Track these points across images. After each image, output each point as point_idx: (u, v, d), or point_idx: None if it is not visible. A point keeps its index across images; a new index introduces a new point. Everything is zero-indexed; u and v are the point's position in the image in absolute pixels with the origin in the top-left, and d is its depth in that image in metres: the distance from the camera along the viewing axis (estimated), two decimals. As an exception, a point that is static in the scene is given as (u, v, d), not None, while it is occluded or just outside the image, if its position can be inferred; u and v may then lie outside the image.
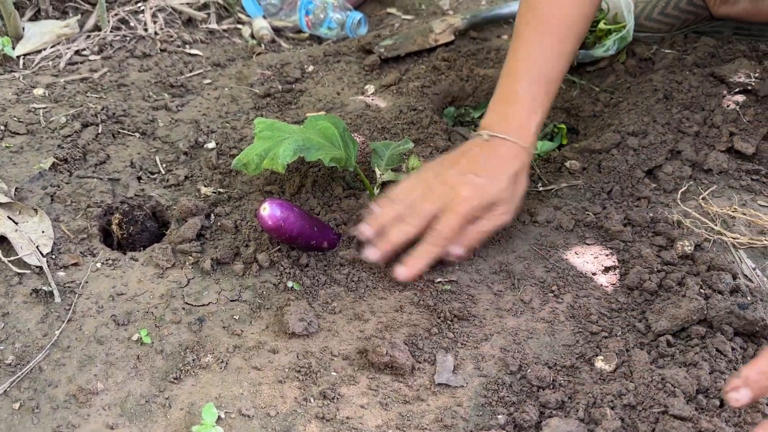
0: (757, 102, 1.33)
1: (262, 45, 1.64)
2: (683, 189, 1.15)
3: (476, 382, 0.85)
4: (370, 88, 1.41)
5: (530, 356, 0.89)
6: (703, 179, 1.18)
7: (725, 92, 1.35)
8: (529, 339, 0.91)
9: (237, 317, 0.94)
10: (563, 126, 1.40)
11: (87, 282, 0.99)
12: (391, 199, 1.01)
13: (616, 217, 1.10)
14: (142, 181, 1.18)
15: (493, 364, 0.87)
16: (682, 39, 1.55)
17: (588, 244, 1.06)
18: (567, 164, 1.22)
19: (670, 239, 1.05)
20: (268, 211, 0.92)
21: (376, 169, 1.13)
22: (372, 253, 0.98)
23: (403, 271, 0.96)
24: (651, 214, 1.10)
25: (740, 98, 1.32)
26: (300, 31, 1.78)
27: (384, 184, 1.17)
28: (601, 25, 1.48)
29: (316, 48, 1.59)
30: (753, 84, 1.34)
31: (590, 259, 1.04)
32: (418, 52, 1.54)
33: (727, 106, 1.30)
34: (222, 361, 0.88)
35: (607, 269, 1.02)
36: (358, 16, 1.69)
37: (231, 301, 0.96)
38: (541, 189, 1.18)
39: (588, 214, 1.11)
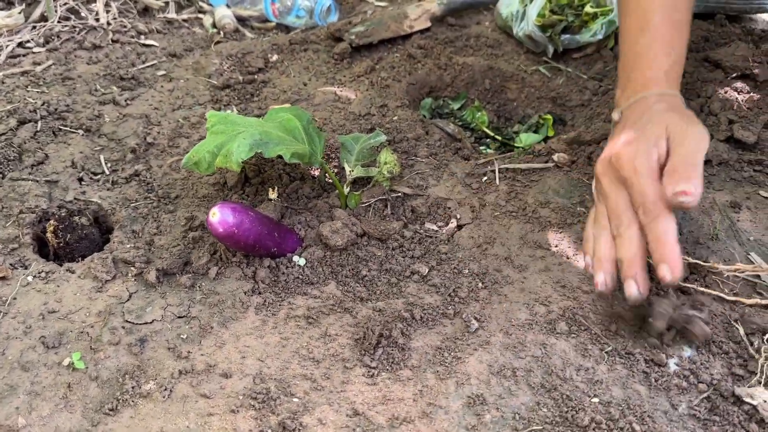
0: (757, 87, 1.23)
1: (222, 34, 1.52)
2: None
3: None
4: (340, 78, 1.30)
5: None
6: (703, 171, 1.08)
7: (722, 78, 1.25)
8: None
9: (184, 336, 0.82)
10: (549, 117, 1.29)
11: (15, 298, 0.87)
12: (588, 239, 0.85)
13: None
14: (83, 183, 1.05)
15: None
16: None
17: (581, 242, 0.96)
18: (555, 157, 1.11)
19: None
20: (219, 216, 0.81)
21: (346, 165, 1.01)
22: (630, 288, 0.77)
23: (665, 270, 0.73)
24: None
25: (739, 84, 1.23)
26: (266, 20, 1.66)
27: (355, 182, 1.06)
28: (588, 8, 1.37)
29: (282, 36, 1.47)
30: (751, 68, 1.25)
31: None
32: (391, 40, 1.43)
33: (725, 93, 1.21)
34: (165, 389, 0.76)
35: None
36: (327, 2, 1.57)
37: (178, 317, 0.84)
38: (527, 183, 1.08)
39: (579, 210, 1.01)
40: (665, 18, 0.91)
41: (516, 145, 1.28)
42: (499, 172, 1.10)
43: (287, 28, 1.63)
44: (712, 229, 0.97)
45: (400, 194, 1.04)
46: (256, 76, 1.29)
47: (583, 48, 1.39)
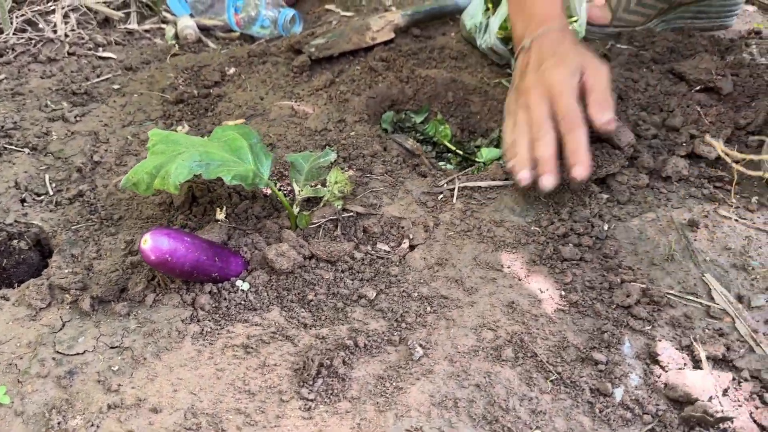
0: (720, 101, 1.22)
1: (177, 46, 1.48)
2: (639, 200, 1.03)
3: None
4: (299, 92, 1.27)
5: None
6: (662, 188, 1.06)
7: (685, 91, 1.24)
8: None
9: (116, 368, 0.79)
10: (511, 130, 1.27)
11: (-55, 328, 0.83)
12: (511, 145, 1.02)
13: (562, 232, 0.97)
14: (26, 204, 1.02)
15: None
16: (641, 34, 1.44)
17: (534, 263, 0.93)
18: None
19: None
20: (150, 243, 0.78)
21: (295, 185, 0.99)
22: (546, 180, 0.96)
23: (580, 170, 0.94)
24: (602, 232, 0.98)
25: (702, 97, 1.21)
26: (231, 30, 1.64)
27: (309, 201, 1.04)
28: (551, 20, 1.35)
29: (240, 48, 1.44)
30: (715, 81, 1.23)
31: (534, 281, 0.91)
32: (353, 52, 1.40)
33: (688, 106, 1.19)
34: (93, 424, 0.73)
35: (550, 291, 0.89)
36: (290, 12, 1.54)
37: (111, 348, 0.81)
38: (483, 201, 1.05)
39: (534, 230, 0.99)
40: None
41: (477, 159, 1.26)
42: (456, 190, 1.08)
43: (252, 38, 1.60)
44: (668, 250, 0.95)
45: (352, 214, 1.02)
46: (211, 90, 1.26)
47: (547, 60, 1.37)
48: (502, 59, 1.37)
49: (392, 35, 1.45)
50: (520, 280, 0.92)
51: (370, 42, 1.42)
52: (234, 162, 0.90)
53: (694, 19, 1.56)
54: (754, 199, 1.05)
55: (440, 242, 0.98)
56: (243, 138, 0.94)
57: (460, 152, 1.28)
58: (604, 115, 0.96)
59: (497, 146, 1.28)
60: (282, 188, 1.07)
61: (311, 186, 0.98)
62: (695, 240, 0.97)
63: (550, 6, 1.08)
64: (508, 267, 0.94)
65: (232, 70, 1.31)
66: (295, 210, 0.99)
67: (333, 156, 0.99)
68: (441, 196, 1.07)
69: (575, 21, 1.35)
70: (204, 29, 1.64)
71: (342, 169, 1.09)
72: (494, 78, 1.37)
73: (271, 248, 0.92)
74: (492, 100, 1.34)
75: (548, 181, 0.95)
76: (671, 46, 1.37)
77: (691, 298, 0.88)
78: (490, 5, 1.34)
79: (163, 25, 1.62)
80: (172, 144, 0.90)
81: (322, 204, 1.01)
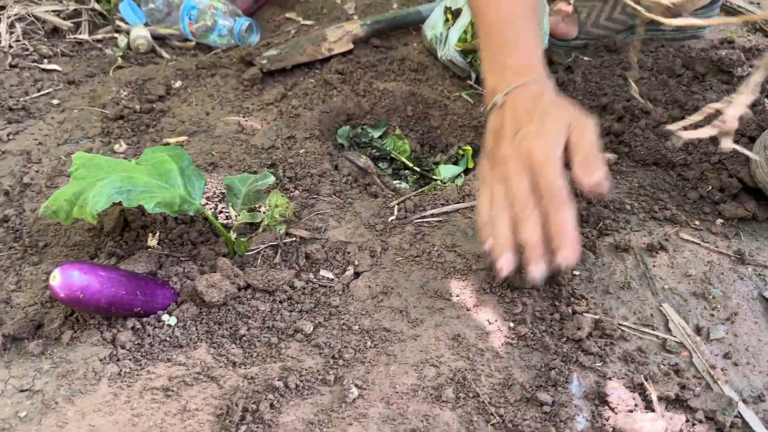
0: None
1: (121, 59, 1.41)
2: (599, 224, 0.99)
3: None
4: (248, 107, 1.21)
5: None
6: (621, 208, 1.01)
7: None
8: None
9: (23, 414, 0.73)
10: (468, 148, 1.22)
11: None
12: (488, 223, 0.85)
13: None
14: (-53, 230, 0.96)
15: None
16: (607, 45, 1.40)
17: (484, 291, 0.88)
18: (476, 194, 1.04)
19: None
20: (60, 280, 0.72)
21: (231, 210, 0.93)
22: (536, 270, 0.80)
23: (567, 255, 0.78)
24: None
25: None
26: (187, 40, 1.58)
27: (250, 225, 0.98)
28: (513, 31, 1.30)
29: (189, 60, 1.38)
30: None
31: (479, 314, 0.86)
32: (308, 64, 1.35)
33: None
34: (-8, 480, 0.67)
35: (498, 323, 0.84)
36: (246, 22, 1.49)
37: (20, 391, 0.75)
38: (435, 224, 1.00)
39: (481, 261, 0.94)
40: (526, 7, 0.95)
41: (435, 177, 1.20)
42: (407, 212, 1.03)
43: (209, 48, 1.54)
44: (624, 277, 0.90)
45: (295, 238, 0.96)
46: (155, 105, 1.20)
47: (509, 72, 1.32)
48: (464, 72, 1.32)
49: (350, 46, 1.40)
50: (468, 310, 0.87)
51: (326, 53, 1.36)
52: (160, 187, 0.84)
53: (665, 31, 1.53)
54: (719, 221, 1.00)
55: (387, 269, 0.93)
56: (173, 160, 0.89)
57: (418, 169, 1.23)
58: (593, 177, 0.79)
59: (455, 163, 1.23)
60: (224, 210, 1.01)
61: (248, 211, 0.93)
62: (654, 266, 0.92)
63: (527, 56, 0.92)
64: (457, 296, 0.89)
65: (178, 84, 1.25)
66: (233, 236, 0.93)
67: (271, 179, 0.93)
68: (392, 218, 1.02)
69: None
70: (159, 39, 1.58)
71: (287, 189, 1.03)
72: (455, 91, 1.32)
73: (201, 279, 0.86)
74: (452, 114, 1.30)
75: (538, 270, 0.79)
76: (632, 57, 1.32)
77: (646, 330, 0.84)
78: (449, 16, 1.29)
79: (116, 35, 1.56)
80: (94, 169, 0.85)
81: (261, 229, 0.95)
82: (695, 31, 1.55)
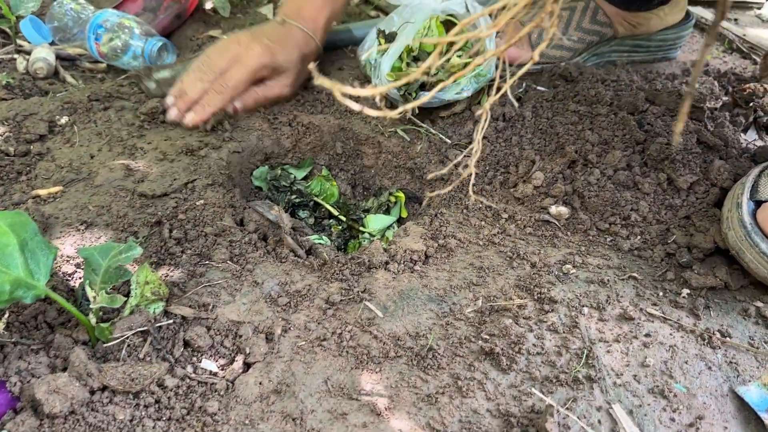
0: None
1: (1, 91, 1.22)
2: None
3: None
4: (142, 146, 1.04)
5: None
6: (568, 272, 0.86)
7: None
8: None
9: None
10: (401, 194, 1.06)
11: None
12: (193, 68, 1.09)
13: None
14: None
15: None
16: (564, 70, 1.24)
17: (402, 387, 0.72)
18: (411, 249, 0.88)
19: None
20: None
21: (89, 289, 0.75)
22: (171, 113, 1.08)
23: (191, 116, 1.06)
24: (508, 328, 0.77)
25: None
26: (98, 61, 1.40)
27: (111, 311, 0.79)
28: (455, 59, 1.15)
29: (84, 89, 1.20)
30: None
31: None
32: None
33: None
34: None
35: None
36: (159, 42, 1.31)
37: None
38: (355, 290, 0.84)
39: (409, 336, 0.77)
40: None
41: (362, 229, 1.04)
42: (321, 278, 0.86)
43: (124, 71, 1.36)
44: (570, 368, 0.74)
45: (174, 319, 0.79)
46: (32, 147, 1.02)
47: (451, 105, 1.16)
48: (400, 103, 1.16)
49: (273, 72, 1.22)
50: (378, 415, 0.71)
51: (243, 81, 1.19)
52: (-14, 270, 0.67)
53: (632, 53, 1.39)
54: (685, 291, 0.85)
55: (285, 358, 0.76)
56: (12, 232, 0.71)
57: (344, 218, 1.06)
58: (236, 102, 1.10)
59: (387, 212, 1.07)
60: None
61: (108, 291, 0.75)
62: (607, 352, 0.77)
63: (318, 11, 1.15)
64: (367, 395, 0.72)
65: (64, 120, 1.07)
66: (92, 320, 0.76)
67: (137, 251, 0.76)
68: (300, 285, 0.85)
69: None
70: (68, 59, 1.40)
71: (173, 254, 0.86)
72: (390, 126, 1.15)
73: (42, 382, 0.68)
74: (386, 153, 1.13)
75: (172, 114, 1.08)
76: (593, 87, 1.17)
77: (592, 444, 0.68)
78: (382, 41, 1.13)
79: (16, 56, 1.37)
80: None
81: (128, 311, 0.77)
82: (666, 52, 1.41)
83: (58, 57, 1.41)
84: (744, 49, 1.56)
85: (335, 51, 1.34)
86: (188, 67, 1.11)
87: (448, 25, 1.19)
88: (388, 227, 1.03)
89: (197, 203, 0.94)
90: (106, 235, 0.88)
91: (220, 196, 0.97)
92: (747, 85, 1.20)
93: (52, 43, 1.43)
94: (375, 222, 1.03)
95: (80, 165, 0.99)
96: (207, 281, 0.84)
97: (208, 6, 1.55)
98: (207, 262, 0.86)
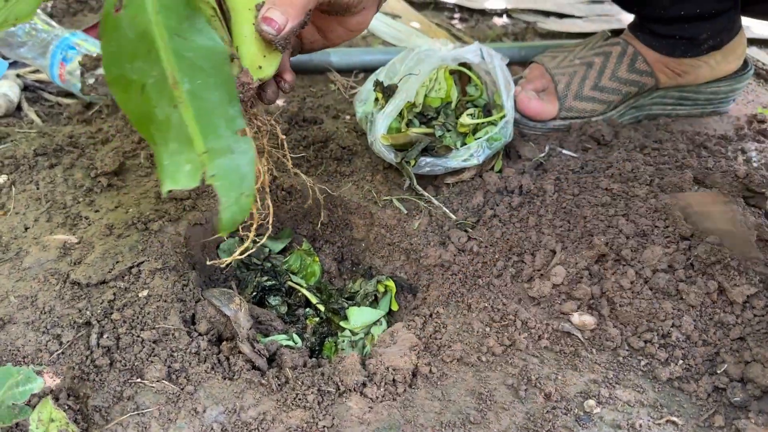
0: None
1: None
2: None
3: None
4: (87, 215, 0.87)
5: None
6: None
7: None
8: None
9: None
10: (392, 283, 0.89)
11: None
12: None
13: None
14: None
15: None
16: (596, 128, 1.06)
17: None
18: (395, 367, 0.70)
19: None
20: None
21: (-28, 430, 0.59)
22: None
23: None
24: None
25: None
26: (72, 94, 1.25)
27: None
28: (465, 118, 0.97)
29: (32, 139, 1.04)
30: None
31: None
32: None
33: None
34: None
35: None
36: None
37: None
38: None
39: None
40: None
41: (343, 326, 0.87)
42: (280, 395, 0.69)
43: (93, 105, 1.21)
44: None
45: (87, 462, 0.63)
46: (-44, 216, 0.87)
47: (460, 171, 0.98)
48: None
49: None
50: None
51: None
52: None
53: (676, 106, 1.19)
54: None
55: None
56: None
57: (322, 308, 0.89)
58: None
59: (374, 301, 0.90)
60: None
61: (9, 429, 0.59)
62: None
63: None
64: None
65: (2, 179, 0.92)
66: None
67: (38, 383, 0.60)
68: (255, 410, 0.68)
69: (501, 117, 0.97)
70: (38, 89, 1.26)
71: (98, 366, 0.69)
72: (386, 193, 0.98)
73: None
74: (379, 226, 0.96)
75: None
76: (629, 159, 0.98)
77: None
78: (379, 95, 0.96)
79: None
80: None
81: (23, 458, 0.61)
82: (717, 106, 1.22)
83: (25, 88, 1.26)
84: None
85: (325, 87, 1.17)
86: None
87: (458, 75, 1.02)
88: (375, 323, 0.86)
89: (140, 295, 0.78)
90: (23, 338, 0.72)
91: (170, 285, 0.80)
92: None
93: (18, 76, 1.28)
94: (359, 316, 0.85)
95: (10, 240, 0.83)
96: (135, 407, 0.67)
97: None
98: (138, 380, 0.70)
